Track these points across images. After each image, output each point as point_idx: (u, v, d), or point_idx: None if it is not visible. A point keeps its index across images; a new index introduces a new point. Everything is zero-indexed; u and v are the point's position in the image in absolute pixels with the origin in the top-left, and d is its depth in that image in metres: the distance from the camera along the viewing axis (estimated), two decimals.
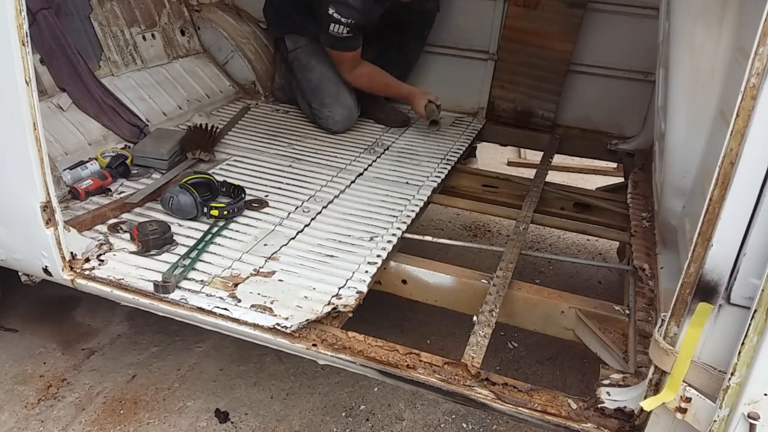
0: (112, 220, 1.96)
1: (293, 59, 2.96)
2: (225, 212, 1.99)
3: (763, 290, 0.99)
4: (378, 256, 1.87)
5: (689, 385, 1.14)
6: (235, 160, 2.50)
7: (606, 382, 1.41)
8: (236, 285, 1.68)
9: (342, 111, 2.86)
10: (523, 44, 3.01)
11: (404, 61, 3.15)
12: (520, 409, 1.38)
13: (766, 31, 0.95)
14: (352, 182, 2.39)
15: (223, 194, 2.13)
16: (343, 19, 2.61)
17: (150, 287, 1.63)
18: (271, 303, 1.61)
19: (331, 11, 2.60)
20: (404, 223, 2.09)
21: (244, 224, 2.01)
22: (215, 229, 1.94)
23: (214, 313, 1.57)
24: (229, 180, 2.20)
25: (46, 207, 1.60)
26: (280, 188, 2.28)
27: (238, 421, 1.99)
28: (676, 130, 1.72)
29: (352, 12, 2.61)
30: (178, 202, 1.96)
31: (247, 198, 2.13)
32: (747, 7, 1.41)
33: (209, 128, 2.59)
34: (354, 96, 2.91)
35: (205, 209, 1.99)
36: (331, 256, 1.86)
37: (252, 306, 1.60)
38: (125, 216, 2.00)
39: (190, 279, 1.69)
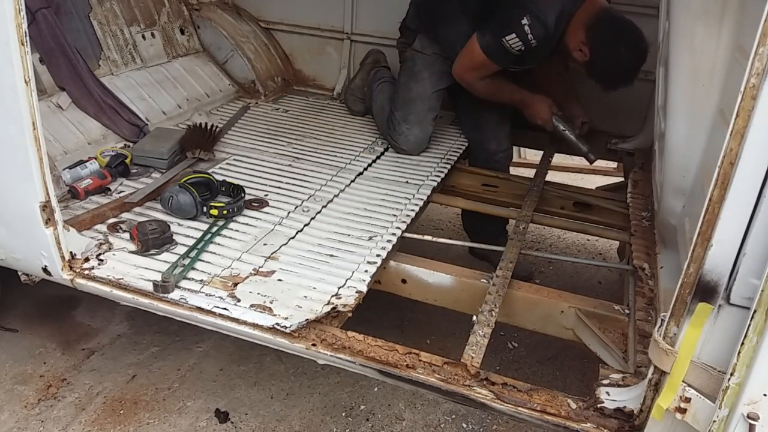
0: (112, 220, 1.96)
1: (407, 59, 2.73)
2: (224, 212, 1.99)
3: (762, 290, 0.99)
4: (378, 255, 1.87)
5: (689, 386, 1.14)
6: (234, 160, 2.50)
7: (605, 381, 1.41)
8: (236, 285, 1.68)
9: (419, 134, 2.67)
10: None
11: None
12: (519, 408, 1.38)
13: (766, 31, 0.95)
14: (352, 181, 2.39)
15: (222, 193, 2.13)
16: (529, 36, 2.29)
17: (149, 287, 1.63)
18: (271, 303, 1.61)
19: (524, 22, 2.27)
20: (404, 222, 2.09)
21: (243, 224, 2.00)
22: (215, 229, 1.94)
23: (214, 313, 1.57)
24: (228, 179, 2.20)
25: (46, 206, 1.60)
26: (279, 187, 2.27)
27: (238, 421, 1.99)
28: (676, 129, 1.72)
29: (541, 35, 2.29)
30: (178, 202, 1.96)
31: (247, 197, 2.12)
32: (747, 7, 1.41)
33: (209, 127, 2.59)
34: (433, 127, 2.74)
35: (205, 209, 1.99)
36: (331, 255, 1.86)
37: (251, 306, 1.59)
38: (125, 215, 2.00)
39: (189, 279, 1.69)
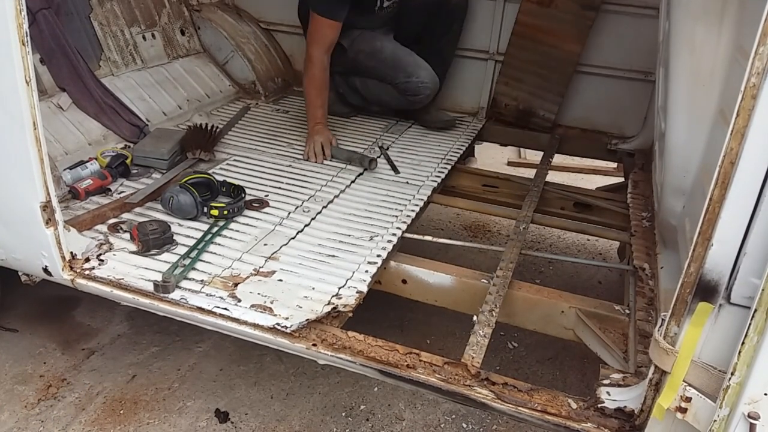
0: (112, 220, 1.96)
1: (356, 53, 2.87)
2: (225, 212, 1.99)
3: (763, 290, 0.99)
4: (378, 255, 1.87)
5: (689, 385, 1.14)
6: (235, 160, 2.50)
7: (606, 381, 1.41)
8: (236, 285, 1.68)
9: (427, 73, 2.81)
10: (533, 41, 3.00)
11: (438, 61, 3.00)
12: (520, 408, 1.38)
13: (766, 31, 0.95)
14: (352, 182, 2.39)
15: (223, 194, 2.13)
16: None
17: (150, 287, 1.63)
18: (271, 303, 1.61)
19: None
20: (404, 222, 2.09)
21: (244, 224, 2.01)
22: (215, 229, 1.94)
23: (214, 313, 1.57)
24: (229, 180, 2.20)
25: (46, 207, 1.60)
26: (280, 188, 2.28)
27: (238, 421, 1.99)
28: (676, 129, 1.72)
29: None
30: (178, 202, 1.96)
31: (247, 198, 2.13)
32: (747, 6, 1.41)
33: (209, 128, 2.59)
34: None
35: (205, 209, 1.99)
36: (331, 255, 1.86)
37: (252, 306, 1.59)
38: (125, 216, 2.00)
39: (190, 279, 1.69)
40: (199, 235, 1.91)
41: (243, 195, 2.11)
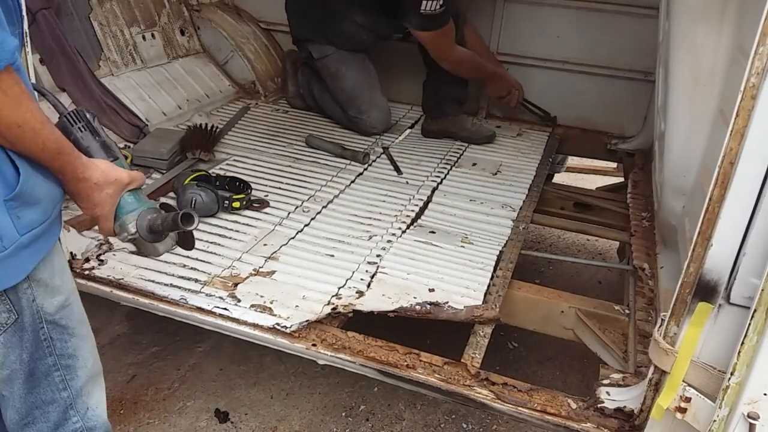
0: None
1: (322, 67, 2.89)
2: (244, 202, 2.04)
3: (762, 290, 0.99)
4: (378, 256, 1.87)
5: (689, 385, 1.14)
6: (234, 160, 2.50)
7: (606, 381, 1.41)
8: (236, 285, 1.68)
9: (379, 114, 2.86)
10: None
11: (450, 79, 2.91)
12: (519, 408, 1.38)
13: (766, 31, 0.95)
14: (352, 182, 2.39)
15: (218, 188, 2.15)
16: None
17: (150, 287, 1.63)
18: (271, 303, 1.61)
19: None
20: (404, 223, 2.09)
21: (244, 224, 2.01)
22: None
23: (214, 313, 1.57)
24: None
25: None
26: (280, 188, 2.28)
27: (238, 421, 1.99)
28: (676, 130, 1.72)
29: None
30: (203, 201, 1.97)
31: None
32: (747, 7, 1.41)
33: (209, 128, 2.59)
34: (385, 96, 2.90)
35: (226, 203, 2.02)
36: (331, 255, 1.86)
37: (252, 306, 1.60)
38: None
39: (189, 279, 1.69)
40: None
41: (249, 190, 2.13)
